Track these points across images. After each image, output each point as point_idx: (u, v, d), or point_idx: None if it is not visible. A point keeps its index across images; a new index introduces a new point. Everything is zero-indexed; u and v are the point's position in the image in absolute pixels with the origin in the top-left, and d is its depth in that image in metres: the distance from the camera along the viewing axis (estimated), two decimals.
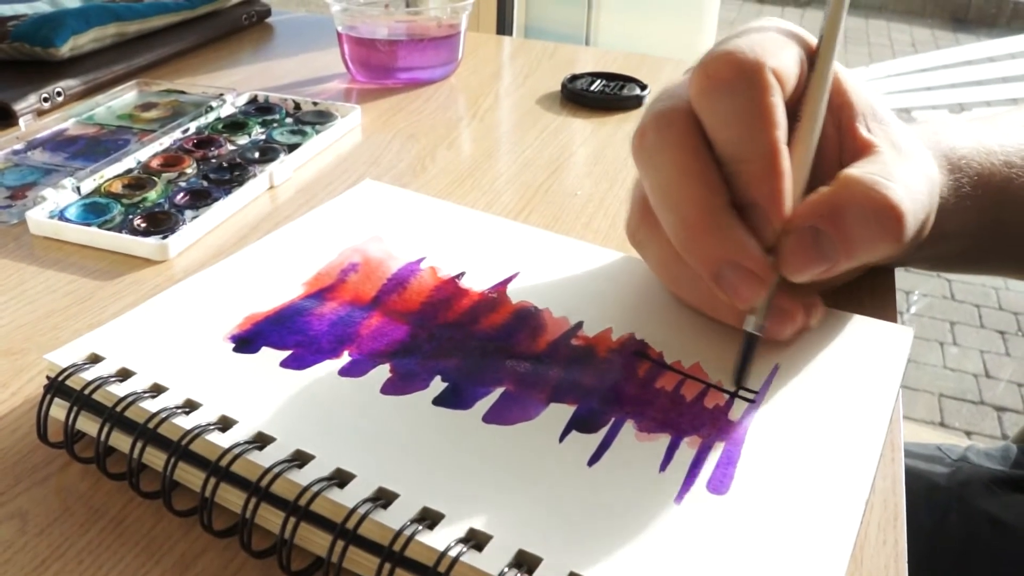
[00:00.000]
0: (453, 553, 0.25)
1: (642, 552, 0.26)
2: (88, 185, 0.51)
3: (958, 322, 2.10)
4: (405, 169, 0.56)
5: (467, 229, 0.43)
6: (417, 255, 0.40)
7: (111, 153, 0.54)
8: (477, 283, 0.38)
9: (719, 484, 0.29)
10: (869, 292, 0.44)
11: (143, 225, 0.47)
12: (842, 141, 0.36)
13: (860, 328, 0.37)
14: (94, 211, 0.48)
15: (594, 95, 0.67)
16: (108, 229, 0.47)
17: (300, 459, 0.29)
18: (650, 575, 0.25)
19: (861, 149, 0.35)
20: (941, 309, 2.16)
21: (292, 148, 0.56)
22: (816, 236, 0.32)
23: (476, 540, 0.26)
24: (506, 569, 0.25)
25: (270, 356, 0.34)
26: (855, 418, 0.32)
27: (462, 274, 0.39)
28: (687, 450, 0.30)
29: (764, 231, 0.32)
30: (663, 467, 0.29)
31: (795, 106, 0.34)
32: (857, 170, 0.33)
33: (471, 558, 0.25)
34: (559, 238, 0.42)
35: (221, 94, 0.63)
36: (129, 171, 0.53)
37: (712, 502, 0.28)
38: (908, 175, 0.34)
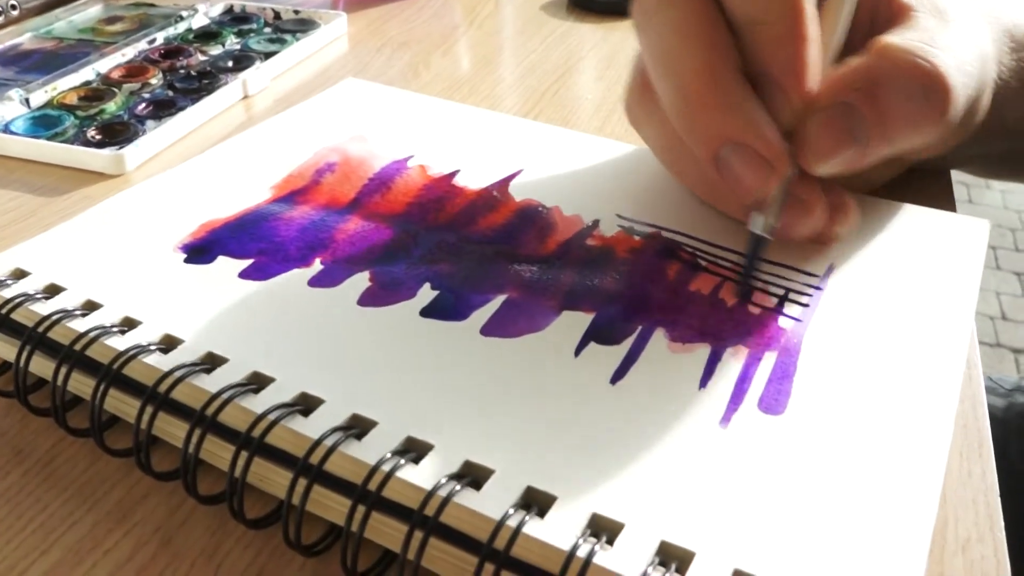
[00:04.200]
0: (444, 492, 0.20)
1: (683, 484, 0.21)
2: (39, 97, 0.45)
3: None
4: (396, 76, 0.50)
5: (463, 126, 0.37)
6: (404, 153, 0.34)
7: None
8: (474, 181, 0.33)
9: (773, 402, 0.23)
10: (925, 197, 0.38)
11: (98, 136, 0.42)
12: (875, 5, 0.30)
13: (926, 220, 0.31)
14: (44, 124, 0.43)
15: (603, 0, 0.61)
16: (60, 142, 0.41)
17: (256, 382, 0.23)
18: (695, 512, 0.20)
19: (897, 14, 0.29)
20: None
21: (270, 56, 0.51)
22: (848, 114, 0.26)
23: (473, 476, 0.21)
24: (511, 510, 0.20)
25: (227, 266, 0.28)
26: (930, 325, 0.26)
27: (456, 172, 0.33)
28: (732, 363, 0.24)
29: (781, 110, 0.26)
30: (704, 383, 0.24)
31: None
32: (896, 37, 0.27)
33: (467, 498, 0.20)
34: (568, 132, 0.36)
35: (193, 5, 0.57)
36: (87, 83, 0.47)
37: (766, 423, 0.23)
38: (955, 42, 0.28)
